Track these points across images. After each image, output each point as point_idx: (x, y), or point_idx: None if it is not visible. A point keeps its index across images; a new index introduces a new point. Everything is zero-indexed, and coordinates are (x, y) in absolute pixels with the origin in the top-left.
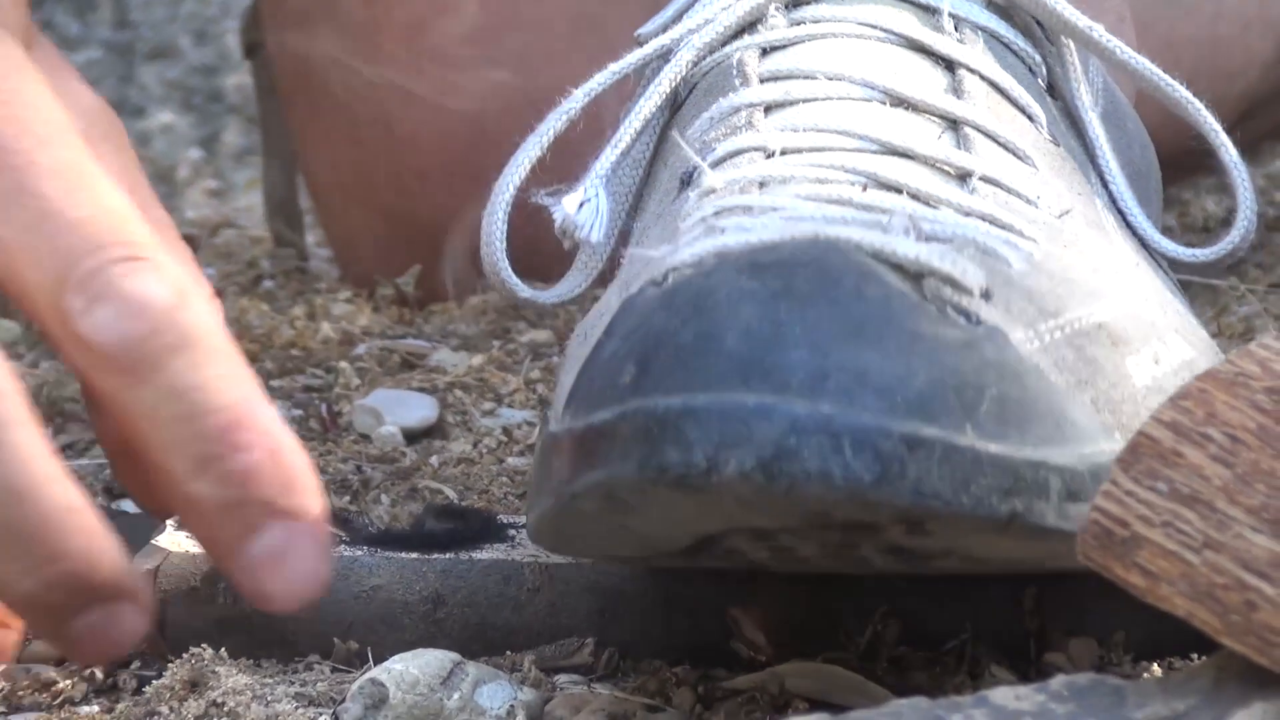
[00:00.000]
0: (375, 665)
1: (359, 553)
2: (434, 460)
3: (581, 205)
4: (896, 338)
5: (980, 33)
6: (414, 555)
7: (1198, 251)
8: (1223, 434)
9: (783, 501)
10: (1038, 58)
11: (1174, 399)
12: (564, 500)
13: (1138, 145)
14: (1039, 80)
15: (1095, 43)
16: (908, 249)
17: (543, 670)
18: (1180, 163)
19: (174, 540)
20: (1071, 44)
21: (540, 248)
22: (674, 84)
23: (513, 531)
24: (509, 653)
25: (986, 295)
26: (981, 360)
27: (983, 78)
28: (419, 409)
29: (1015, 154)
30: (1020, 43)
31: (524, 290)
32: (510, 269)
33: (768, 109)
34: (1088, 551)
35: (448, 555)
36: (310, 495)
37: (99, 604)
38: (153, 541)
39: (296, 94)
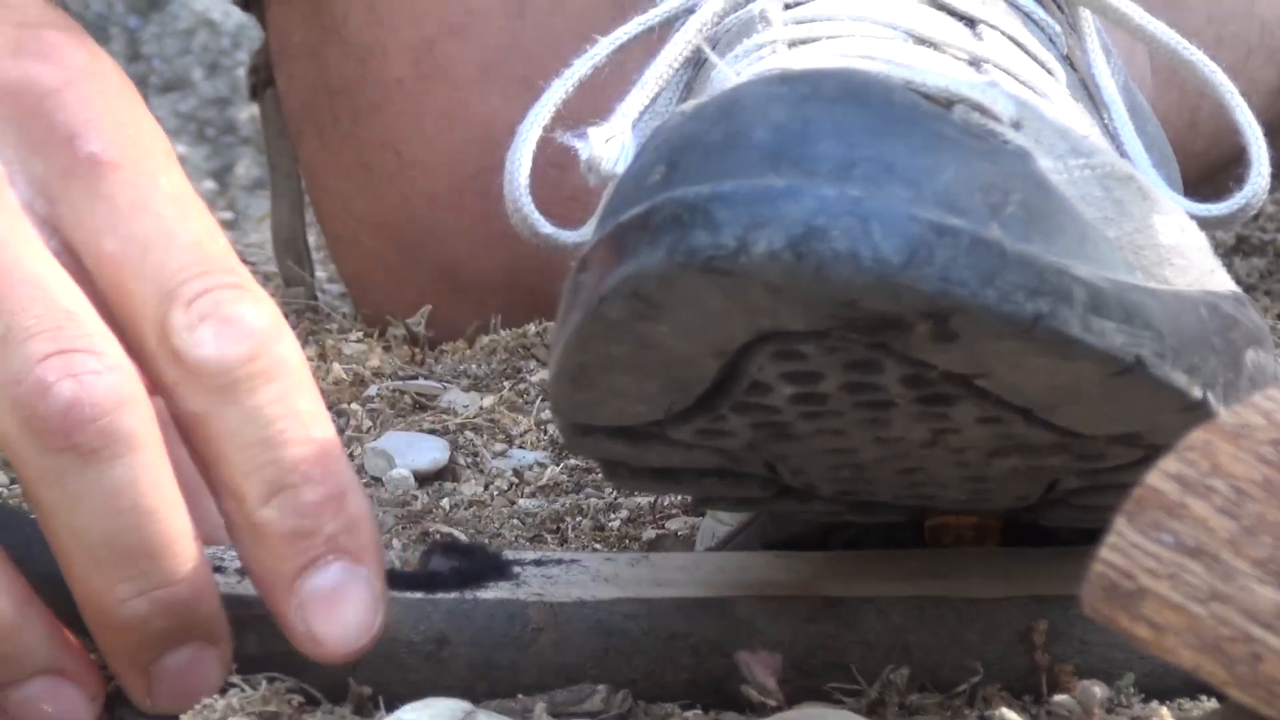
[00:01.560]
0: (387, 713)
1: None
2: (445, 503)
3: (608, 140)
4: (924, 137)
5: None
6: (418, 595)
7: (1212, 206)
8: (1228, 486)
9: (811, 286)
10: (1057, 28)
11: (1178, 450)
12: (591, 308)
13: (1158, 150)
14: (1059, 49)
15: (1110, 7)
16: (936, 79)
17: (554, 716)
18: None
19: None
20: (1089, 14)
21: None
22: (700, 31)
23: (517, 569)
24: (520, 697)
25: (1016, 125)
26: (1008, 169)
27: (1003, 34)
28: (430, 451)
29: (1035, 91)
30: (1040, 13)
31: (545, 226)
32: (533, 205)
33: (791, 44)
34: (1093, 603)
35: (452, 595)
36: (372, 543)
37: (190, 643)
38: None
39: (306, 125)
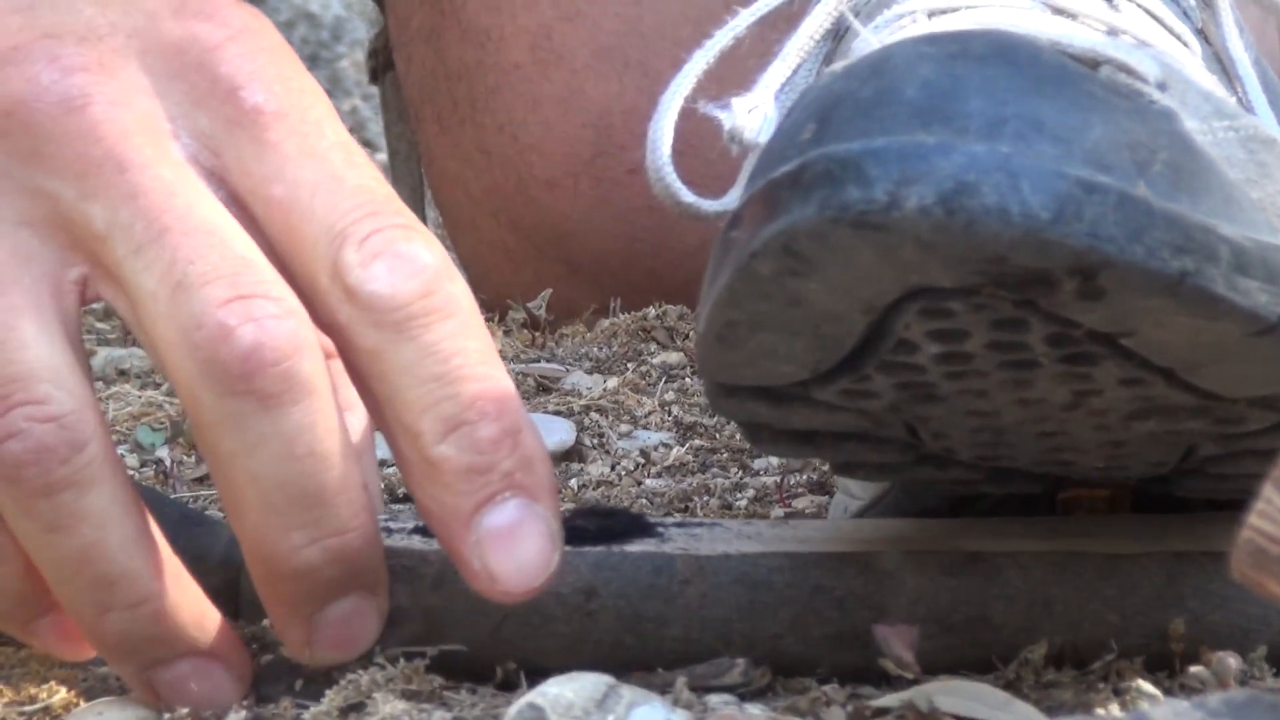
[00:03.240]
0: (529, 688)
1: None
2: (573, 483)
3: (750, 111)
4: (1072, 95)
5: None
6: (566, 548)
7: None
8: None
9: (961, 241)
10: (1191, 1)
11: None
12: (742, 264)
13: None
14: (1193, 22)
15: None
16: (1084, 40)
17: (694, 690)
18: None
19: None
20: None
21: None
22: (842, 2)
23: (661, 529)
24: (660, 671)
25: (1162, 86)
26: (1155, 128)
27: (1139, 5)
28: (556, 432)
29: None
30: None
31: (687, 195)
32: (675, 175)
33: (931, 14)
34: (1241, 568)
35: (599, 548)
36: (548, 480)
37: (353, 592)
38: None
39: (424, 109)
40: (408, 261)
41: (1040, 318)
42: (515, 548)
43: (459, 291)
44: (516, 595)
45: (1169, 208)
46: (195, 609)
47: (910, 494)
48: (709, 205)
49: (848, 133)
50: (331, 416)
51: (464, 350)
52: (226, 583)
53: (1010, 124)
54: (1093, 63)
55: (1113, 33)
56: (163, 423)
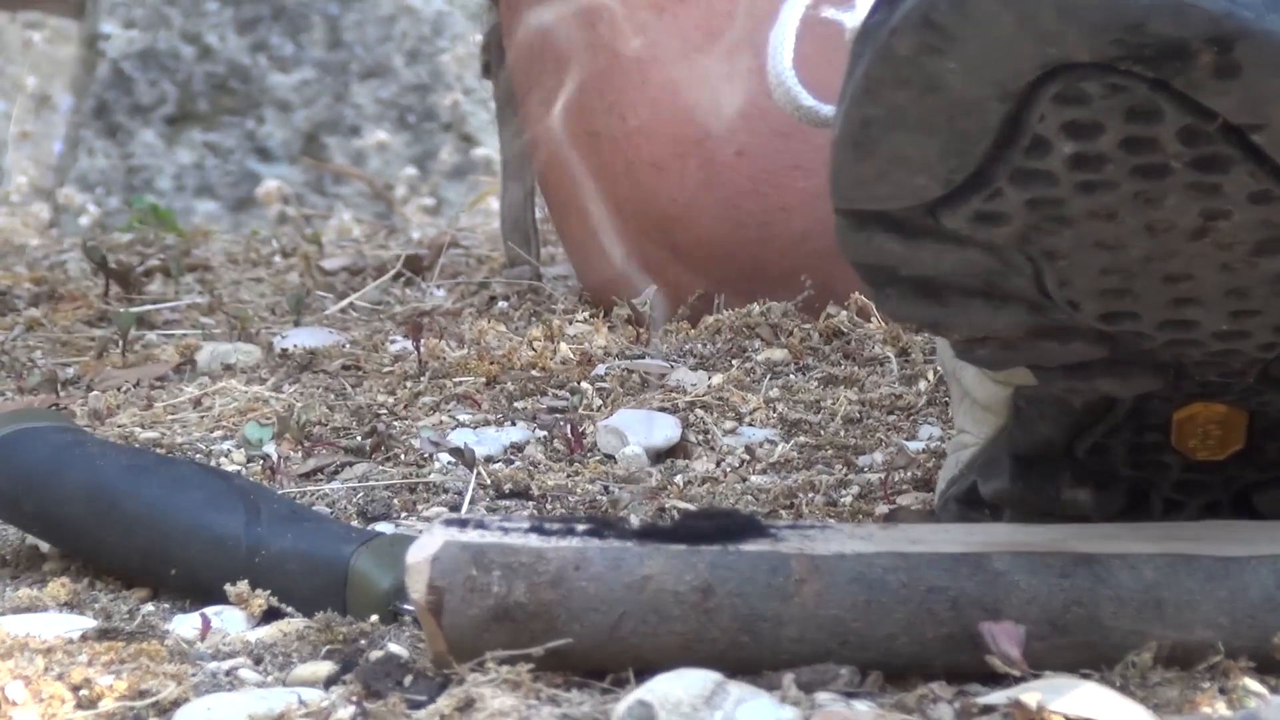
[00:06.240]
0: (638, 685)
1: (630, 543)
2: (679, 479)
3: None
4: None
5: None
6: (683, 546)
7: None
8: None
9: (1099, 4)
10: None
11: None
12: (881, 45)
13: None
14: None
15: None
16: None
17: (802, 688)
18: None
19: (449, 531)
20: None
21: None
22: None
23: (774, 530)
24: (766, 673)
25: None
26: None
27: None
28: (662, 429)
29: None
30: None
31: (807, 99)
32: (796, 79)
33: None
34: None
35: (716, 547)
36: None
37: None
38: (428, 531)
39: (531, 93)
40: None
41: (1174, 105)
42: None
43: None
44: None
45: None
46: None
47: (1025, 426)
48: (829, 110)
49: None
50: None
51: None
52: (333, 583)
53: None
54: None
55: None
56: (269, 418)
